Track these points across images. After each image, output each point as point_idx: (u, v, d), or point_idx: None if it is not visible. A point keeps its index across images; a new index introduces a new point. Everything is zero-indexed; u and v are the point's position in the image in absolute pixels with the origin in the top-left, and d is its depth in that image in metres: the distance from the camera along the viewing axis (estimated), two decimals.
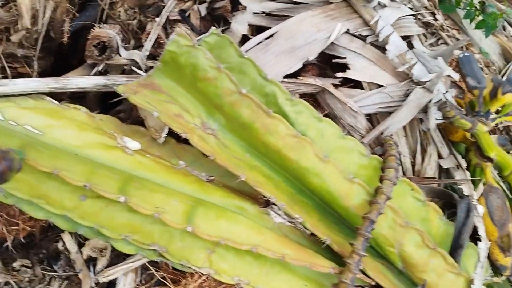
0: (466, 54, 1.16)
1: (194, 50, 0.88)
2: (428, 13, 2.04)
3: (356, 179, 0.91)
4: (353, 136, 1.07)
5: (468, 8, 2.50)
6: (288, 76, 1.06)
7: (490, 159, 1.10)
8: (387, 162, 0.94)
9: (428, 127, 1.09)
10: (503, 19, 3.78)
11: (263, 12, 1.10)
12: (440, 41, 1.98)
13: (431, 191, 1.07)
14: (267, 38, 1.05)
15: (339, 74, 1.08)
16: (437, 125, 1.13)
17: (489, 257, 1.06)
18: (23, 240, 0.94)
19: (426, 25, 2.00)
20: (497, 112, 1.14)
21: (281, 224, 0.91)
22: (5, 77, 0.97)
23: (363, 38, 1.10)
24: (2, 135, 0.82)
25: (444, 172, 1.16)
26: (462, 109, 1.01)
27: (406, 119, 1.07)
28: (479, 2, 2.77)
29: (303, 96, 1.09)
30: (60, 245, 0.94)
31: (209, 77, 0.89)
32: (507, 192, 1.16)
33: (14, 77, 0.98)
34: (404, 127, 1.16)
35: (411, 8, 1.20)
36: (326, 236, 0.89)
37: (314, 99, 1.12)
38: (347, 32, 1.09)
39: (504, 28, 3.94)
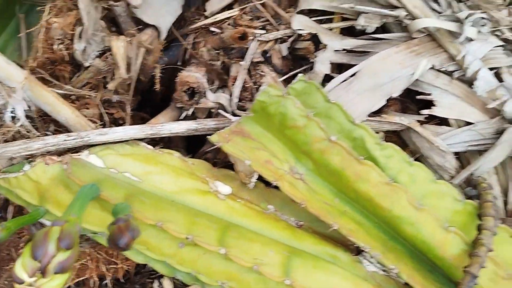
0: None
1: (284, 99, 0.89)
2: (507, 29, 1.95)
3: (452, 228, 0.88)
4: (442, 177, 1.05)
5: None
6: (371, 114, 1.05)
7: None
8: (484, 209, 0.91)
9: None
10: None
11: (344, 49, 1.09)
12: None
13: None
14: (350, 76, 1.05)
15: (425, 112, 1.05)
16: None
17: None
18: (122, 280, 0.99)
19: (505, 41, 1.92)
20: None
21: (374, 273, 0.90)
22: (103, 124, 1.02)
23: (449, 74, 1.07)
24: (107, 186, 0.87)
25: None
26: None
27: (499, 159, 1.03)
28: None
29: (386, 133, 1.08)
30: (156, 285, 0.98)
31: (299, 126, 0.90)
32: None
33: (111, 122, 1.04)
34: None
35: (498, 36, 1.14)
36: (422, 287, 0.87)
37: (398, 136, 1.10)
38: (432, 68, 1.06)
39: None
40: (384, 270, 0.90)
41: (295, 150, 0.93)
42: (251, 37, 1.08)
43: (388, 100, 1.12)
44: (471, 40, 1.06)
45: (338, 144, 0.89)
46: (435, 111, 1.06)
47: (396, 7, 1.07)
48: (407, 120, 1.04)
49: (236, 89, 1.04)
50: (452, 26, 1.04)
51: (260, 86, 1.05)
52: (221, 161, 1.05)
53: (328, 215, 0.88)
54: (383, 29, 1.12)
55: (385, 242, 0.92)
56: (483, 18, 1.05)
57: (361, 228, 0.91)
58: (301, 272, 0.82)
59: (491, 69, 1.11)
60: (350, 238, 0.86)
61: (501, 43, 1.10)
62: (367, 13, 1.08)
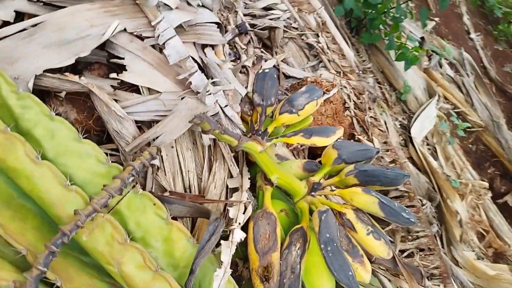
0: (266, 70, 1.10)
1: None
2: (312, 35, 2.02)
3: (74, 186, 0.82)
4: (120, 144, 0.99)
5: (389, 39, 2.50)
6: (55, 71, 0.98)
7: (270, 182, 1.03)
8: (121, 173, 0.86)
9: (204, 142, 1.02)
10: (442, 56, 3.82)
11: (40, 0, 1.01)
12: (321, 64, 1.96)
13: (197, 211, 0.98)
14: (32, 27, 0.97)
15: (113, 75, 1.00)
16: None
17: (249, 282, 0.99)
18: None
19: (310, 46, 1.98)
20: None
21: None
22: None
23: (143, 39, 1.03)
24: None
25: (232, 192, 1.08)
26: (222, 125, 0.93)
27: (179, 130, 0.99)
28: (396, 36, 2.78)
29: (73, 94, 1.01)
30: None
31: None
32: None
33: None
34: (194, 141, 1.09)
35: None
36: (24, 246, 0.79)
37: (91, 99, 1.03)
38: (126, 31, 1.01)
39: (440, 65, 3.97)
40: None
41: None
42: None
43: (93, 64, 1.07)
44: (170, 8, 1.03)
45: None
46: (125, 76, 1.01)
47: None
48: (86, 80, 0.98)
49: None
50: None
51: None
52: None
53: None
54: None
55: (11, 199, 0.83)
56: None
57: None
58: None
59: (204, 46, 1.09)
60: None
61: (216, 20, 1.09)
62: None
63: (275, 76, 1.10)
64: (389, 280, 1.28)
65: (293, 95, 1.07)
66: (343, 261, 0.90)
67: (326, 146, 1.11)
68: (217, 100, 1.00)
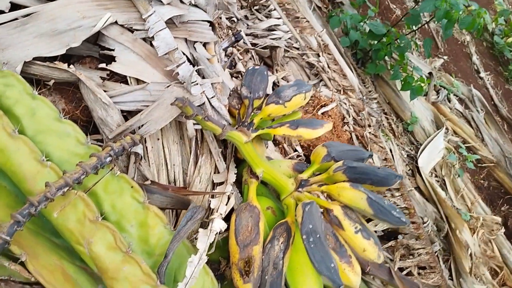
0: (256, 67, 1.10)
1: None
2: (313, 55, 2.04)
3: (49, 162, 0.80)
4: (104, 132, 0.99)
5: (394, 69, 2.51)
6: (45, 61, 0.99)
7: (256, 176, 1.00)
8: (99, 152, 0.84)
9: (189, 134, 1.00)
10: (451, 92, 3.82)
11: None
12: (321, 83, 1.96)
13: (179, 202, 0.95)
14: (25, 17, 1.00)
15: (102, 65, 1.01)
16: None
17: (232, 282, 0.94)
18: None
19: (311, 66, 2.00)
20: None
21: None
22: None
23: (133, 32, 1.04)
24: None
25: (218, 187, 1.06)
26: (205, 111, 0.92)
27: (164, 119, 0.98)
28: (402, 68, 2.80)
29: (62, 84, 1.02)
30: None
31: None
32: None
33: None
34: (181, 136, 1.08)
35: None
36: None
37: (80, 91, 1.04)
38: (117, 23, 1.03)
39: (449, 100, 3.96)
40: None
41: None
42: None
43: (85, 57, 1.09)
44: (162, 3, 1.06)
45: None
46: (114, 66, 1.02)
47: None
48: (75, 69, 0.99)
49: None
50: None
51: None
52: None
53: None
54: None
55: None
56: None
57: None
58: None
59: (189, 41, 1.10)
60: None
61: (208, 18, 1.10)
62: None
63: (265, 73, 1.09)
64: None
65: (281, 87, 1.06)
66: (325, 252, 0.85)
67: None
68: (204, 91, 1.00)
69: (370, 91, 2.81)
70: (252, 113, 1.01)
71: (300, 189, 1.01)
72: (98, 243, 0.79)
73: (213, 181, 1.05)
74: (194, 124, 1.01)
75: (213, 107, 1.02)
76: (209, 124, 0.92)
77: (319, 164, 1.04)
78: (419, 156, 2.82)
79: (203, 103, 1.00)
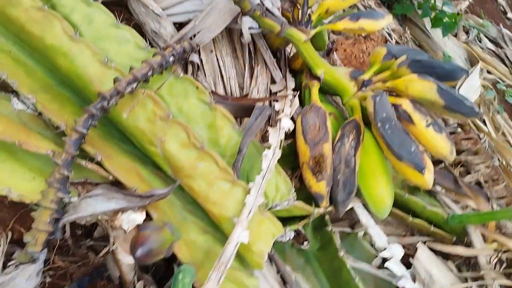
0: None
1: None
2: None
3: (113, 63, 0.78)
4: (158, 44, 0.96)
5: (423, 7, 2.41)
6: None
7: (317, 78, 0.96)
8: (161, 51, 0.82)
9: (244, 39, 0.97)
10: (482, 32, 3.69)
11: None
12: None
13: (241, 109, 0.93)
14: None
15: None
16: (278, 51, 1.02)
17: (305, 185, 0.91)
18: None
19: None
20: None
21: (21, 111, 0.78)
22: None
23: None
24: None
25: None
26: (264, 5, 0.88)
27: (218, 26, 0.95)
28: (431, 6, 2.69)
29: (110, 4, 1.00)
30: None
31: None
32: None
33: None
34: (234, 49, 1.04)
35: None
36: (63, 122, 0.76)
37: (126, 7, 1.02)
38: None
39: (479, 40, 3.84)
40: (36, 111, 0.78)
41: None
42: None
43: None
44: None
45: None
46: None
47: None
48: None
49: None
50: None
51: None
52: None
53: None
54: None
55: (50, 87, 0.81)
56: None
57: (21, 67, 0.80)
58: None
59: None
60: None
61: None
62: None
63: None
64: (455, 202, 1.16)
65: None
66: (404, 137, 0.82)
67: None
68: None
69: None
70: (308, 13, 0.97)
71: (363, 89, 0.97)
72: (171, 141, 0.77)
73: (270, 90, 1.01)
74: (249, 29, 0.97)
75: (267, 9, 0.97)
76: (267, 20, 0.89)
77: (379, 64, 1.00)
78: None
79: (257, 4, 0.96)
